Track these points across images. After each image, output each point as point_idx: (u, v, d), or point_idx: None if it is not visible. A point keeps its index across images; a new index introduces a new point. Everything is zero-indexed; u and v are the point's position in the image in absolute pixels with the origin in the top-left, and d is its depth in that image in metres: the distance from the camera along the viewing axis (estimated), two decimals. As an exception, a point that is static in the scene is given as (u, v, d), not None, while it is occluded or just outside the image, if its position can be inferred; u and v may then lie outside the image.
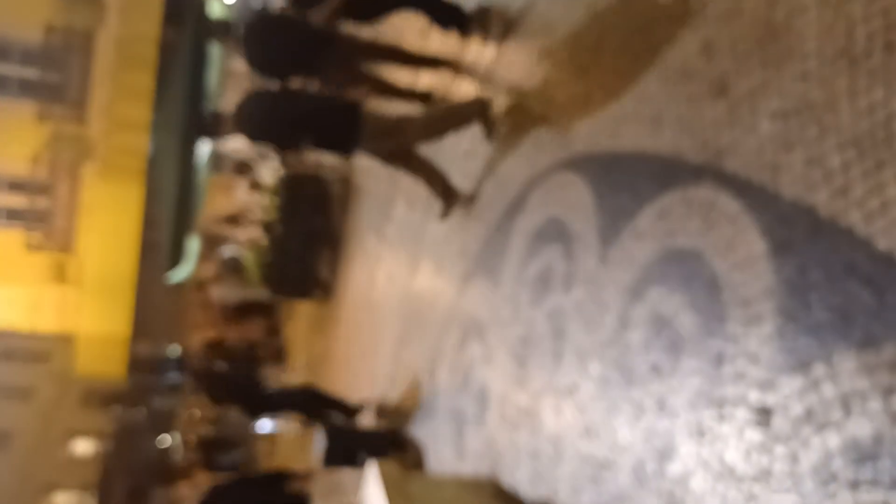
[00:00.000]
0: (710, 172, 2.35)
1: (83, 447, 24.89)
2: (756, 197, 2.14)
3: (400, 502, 2.63)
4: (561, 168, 3.46)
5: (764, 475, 1.89)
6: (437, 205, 5.29)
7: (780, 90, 2.11)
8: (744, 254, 2.13)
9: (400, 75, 5.28)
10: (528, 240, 3.70)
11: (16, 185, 14.51)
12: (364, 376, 6.93)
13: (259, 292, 10.35)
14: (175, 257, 11.06)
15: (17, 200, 14.51)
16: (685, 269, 2.38)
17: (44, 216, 14.22)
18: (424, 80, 5.24)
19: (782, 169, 2.07)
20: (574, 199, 3.26)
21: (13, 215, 14.40)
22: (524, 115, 3.96)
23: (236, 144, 12.14)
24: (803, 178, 1.98)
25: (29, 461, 23.02)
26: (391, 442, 5.19)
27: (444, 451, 4.33)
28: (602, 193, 3.03)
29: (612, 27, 3.16)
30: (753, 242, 2.11)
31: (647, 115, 2.78)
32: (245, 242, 10.86)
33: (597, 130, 3.15)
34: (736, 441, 2.00)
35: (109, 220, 13.67)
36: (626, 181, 2.86)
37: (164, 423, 20.16)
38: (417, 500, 2.68)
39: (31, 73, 13.80)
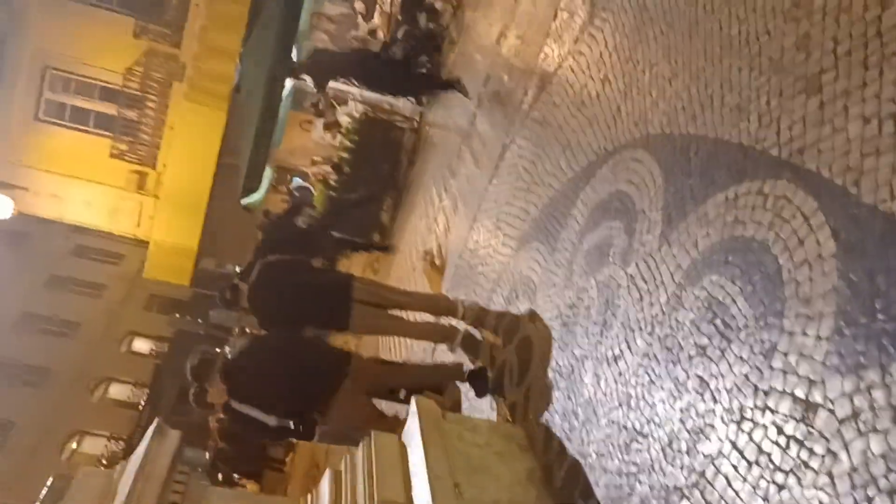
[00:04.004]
0: (790, 168, 2.33)
1: (141, 346, 26.34)
2: (834, 197, 2.12)
3: (434, 437, 2.76)
4: (635, 145, 3.45)
5: (799, 469, 1.91)
6: (502, 164, 5.35)
7: (879, 94, 2.06)
8: (813, 252, 2.13)
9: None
10: (591, 210, 3.72)
11: (107, 94, 15.13)
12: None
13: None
14: (249, 183, 11.41)
15: (106, 108, 15.14)
16: (749, 260, 2.38)
17: (130, 128, 14.81)
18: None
19: (866, 173, 2.04)
20: (643, 177, 3.26)
21: (101, 122, 15.05)
22: (606, 87, 3.94)
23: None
24: (887, 184, 1.95)
25: (92, 351, 24.52)
26: (431, 383, 5.35)
27: (482, 399, 4.48)
28: (673, 175, 3.02)
29: (709, 11, 3.11)
30: (824, 242, 2.10)
31: (733, 103, 2.75)
32: (316, 178, 11.13)
33: (677, 112, 3.13)
34: (776, 432, 2.02)
35: (191, 140, 14.15)
36: (701, 166, 2.84)
37: (218, 336, 21.04)
38: (451, 437, 2.81)
39: (133, -13, 14.33)
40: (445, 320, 5.02)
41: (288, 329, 4.78)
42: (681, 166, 2.97)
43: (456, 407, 4.67)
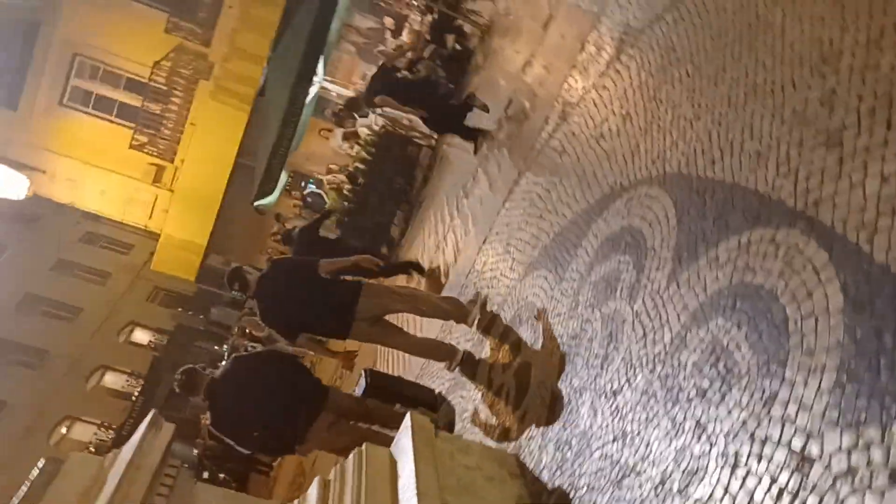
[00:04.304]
0: (805, 219, 2.34)
1: (140, 337, 26.36)
2: (846, 252, 2.12)
3: (426, 453, 2.75)
4: (651, 182, 3.47)
5: (789, 521, 1.91)
6: (517, 189, 5.38)
7: (901, 154, 2.08)
8: (821, 305, 2.13)
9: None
10: (601, 243, 3.73)
11: (133, 86, 15.33)
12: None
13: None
14: (264, 186, 11.51)
15: (131, 99, 15.33)
16: (757, 307, 2.38)
17: (152, 121, 14.98)
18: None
19: (880, 231, 2.04)
20: (657, 215, 3.27)
21: (124, 112, 15.23)
22: (627, 123, 3.97)
23: (344, 92, 12.45)
24: (902, 245, 1.96)
25: (91, 338, 24.53)
26: (427, 400, 5.37)
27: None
28: (687, 216, 3.03)
29: (736, 58, 3.14)
30: (833, 296, 2.11)
31: (753, 149, 2.77)
32: (330, 185, 11.20)
33: (696, 154, 3.15)
34: (769, 482, 2.01)
35: (211, 138, 14.30)
36: (716, 209, 2.85)
37: (218, 333, 21.06)
38: (442, 455, 2.81)
39: (169, -15, 14.57)
40: (446, 335, 5.06)
41: (275, 352, 4.85)
42: (696, 208, 2.98)
43: (449, 426, 4.67)
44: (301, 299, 4.85)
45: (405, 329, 5.15)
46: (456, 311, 5.11)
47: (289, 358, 4.94)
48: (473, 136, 7.14)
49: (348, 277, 5.20)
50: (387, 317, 5.04)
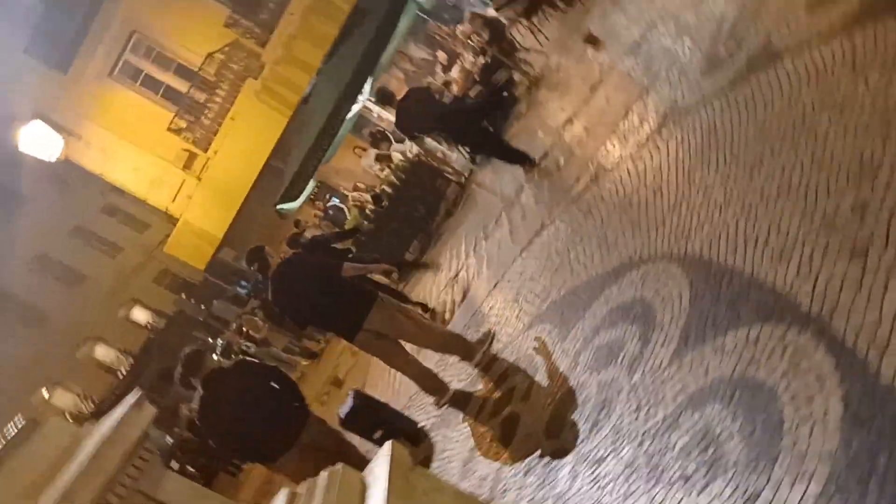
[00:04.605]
0: (818, 325, 2.33)
1: (139, 316, 26.42)
2: (853, 365, 2.11)
3: (399, 485, 2.72)
4: (670, 259, 3.48)
5: None
6: (537, 240, 5.40)
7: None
8: (819, 411, 2.11)
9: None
10: (611, 308, 3.72)
11: (183, 71, 15.64)
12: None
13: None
14: (290, 191, 11.62)
15: (178, 83, 15.63)
16: (754, 401, 2.37)
17: (195, 108, 15.24)
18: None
19: (891, 352, 2.04)
20: (671, 292, 3.27)
21: (169, 95, 15.51)
22: (657, 197, 4.00)
23: (385, 115, 12.64)
24: (911, 368, 1.95)
25: (91, 307, 24.64)
26: (410, 432, 5.33)
27: (453, 463, 4.42)
28: (701, 298, 3.03)
29: (775, 153, 3.17)
30: (833, 405, 2.09)
31: (777, 246, 2.78)
32: (354, 202, 11.29)
33: (720, 240, 3.16)
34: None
35: (248, 135, 14.50)
36: (730, 297, 2.85)
37: (215, 326, 21.05)
38: (415, 490, 2.77)
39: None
40: (440, 371, 5.06)
41: (261, 367, 4.88)
42: (711, 292, 2.99)
43: (427, 463, 4.62)
44: (318, 293, 4.92)
45: (408, 353, 5.15)
46: (462, 348, 5.10)
47: (289, 382, 4.96)
48: (520, 158, 7.07)
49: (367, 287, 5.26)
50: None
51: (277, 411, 4.67)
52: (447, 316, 6.67)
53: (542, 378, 4.02)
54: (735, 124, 3.66)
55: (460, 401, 4.78)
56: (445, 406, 4.89)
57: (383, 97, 7.41)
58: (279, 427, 4.66)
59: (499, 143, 7.34)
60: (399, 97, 7.78)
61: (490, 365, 4.88)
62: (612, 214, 4.49)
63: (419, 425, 5.48)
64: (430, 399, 5.00)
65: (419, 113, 7.70)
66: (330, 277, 4.94)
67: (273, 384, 4.75)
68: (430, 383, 5.07)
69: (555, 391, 3.76)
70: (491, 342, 5.10)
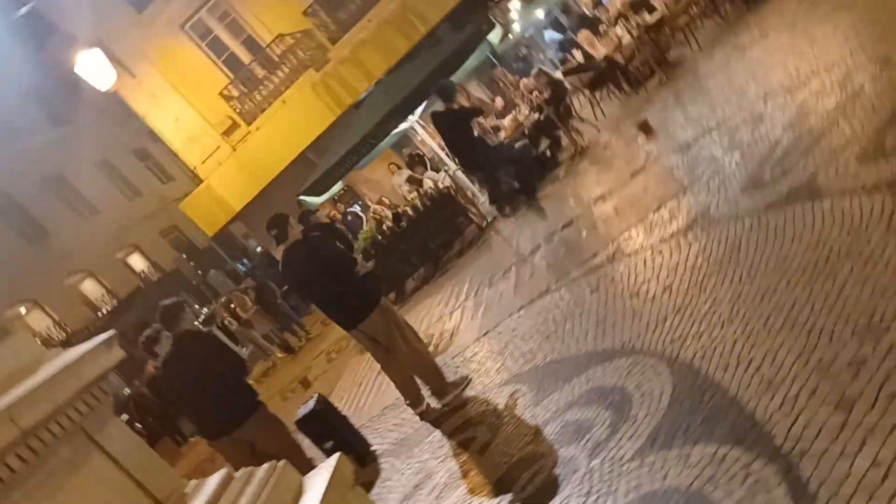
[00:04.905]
0: (786, 463, 2.31)
1: (135, 263, 26.48)
2: (812, 512, 2.09)
3: (334, 498, 2.70)
4: (661, 358, 3.46)
5: None
6: (538, 302, 5.40)
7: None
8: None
9: None
10: (590, 388, 3.70)
11: (250, 44, 15.95)
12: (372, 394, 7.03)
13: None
14: (318, 186, 11.71)
15: (243, 54, 15.92)
16: (704, 521, 2.33)
17: (251, 81, 15.48)
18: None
19: (852, 508, 2.01)
20: (653, 390, 3.25)
21: (230, 62, 15.78)
22: (665, 294, 4.00)
23: (428, 141, 12.78)
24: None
25: (93, 240, 24.71)
26: (360, 451, 5.30)
27: (393, 494, 4.36)
28: (680, 404, 3.01)
29: (790, 286, 3.16)
30: (779, 546, 2.06)
31: (768, 375, 2.76)
32: (374, 215, 11.34)
33: (714, 353, 3.14)
34: None
35: (293, 121, 14.68)
36: (709, 411, 2.83)
37: (205, 294, 21.06)
38: (350, 513, 2.74)
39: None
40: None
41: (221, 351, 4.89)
42: (692, 400, 2.97)
43: (367, 486, 4.56)
44: (330, 278, 5.00)
45: (400, 361, 5.19)
46: (438, 383, 5.11)
47: (244, 374, 5.02)
48: (529, 197, 7.08)
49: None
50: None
51: (233, 392, 4.70)
52: (430, 348, 6.64)
53: (503, 436, 3.98)
54: (760, 247, 3.68)
55: (428, 417, 4.93)
56: (424, 416, 5.06)
57: (444, 91, 7.34)
58: (230, 406, 4.70)
59: (528, 188, 7.29)
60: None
61: (457, 409, 4.86)
62: (617, 298, 4.49)
63: (371, 448, 5.44)
64: (393, 422, 5.02)
65: (476, 145, 7.71)
66: (345, 268, 5.04)
67: (235, 370, 4.78)
68: (412, 391, 5.15)
69: (512, 453, 3.72)
70: (465, 387, 5.10)
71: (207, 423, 5.15)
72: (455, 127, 6.84)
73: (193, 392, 4.82)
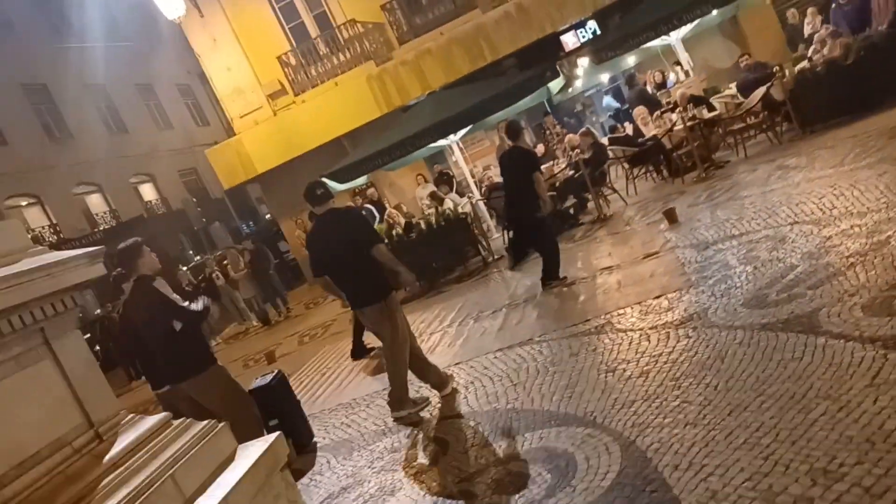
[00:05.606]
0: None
1: (146, 192, 26.56)
2: None
3: (260, 476, 2.68)
4: (617, 439, 3.43)
5: None
6: (517, 349, 5.38)
7: None
8: None
9: None
10: (539, 447, 3.68)
11: (321, 20, 16.10)
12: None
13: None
14: (342, 174, 11.77)
15: (311, 26, 16.09)
16: None
17: (311, 55, 15.62)
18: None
19: None
20: (600, 465, 3.23)
21: (297, 31, 15.89)
22: (640, 379, 3.98)
23: (462, 165, 12.84)
24: None
25: (112, 157, 24.83)
26: (301, 439, 5.28)
27: (319, 490, 4.32)
28: (622, 488, 2.98)
29: (762, 408, 3.15)
30: None
31: (714, 487, 2.74)
32: (388, 218, 11.37)
33: (669, 450, 3.12)
34: None
35: (339, 105, 14.77)
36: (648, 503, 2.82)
37: (203, 243, 21.06)
38: (271, 489, 2.72)
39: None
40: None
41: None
42: (633, 488, 2.95)
43: (297, 474, 4.53)
44: (348, 255, 5.05)
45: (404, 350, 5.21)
46: (400, 392, 5.12)
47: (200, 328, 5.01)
48: (555, 267, 7.09)
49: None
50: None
51: (182, 347, 4.70)
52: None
53: (442, 467, 3.96)
54: (744, 362, 3.67)
55: (415, 423, 4.92)
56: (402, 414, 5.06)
57: (512, 129, 7.40)
58: (177, 361, 4.73)
59: (550, 242, 7.28)
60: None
61: (408, 426, 4.83)
62: (593, 368, 4.48)
63: (313, 438, 5.41)
64: (350, 419, 5.03)
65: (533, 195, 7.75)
66: (361, 249, 5.08)
67: (188, 325, 4.76)
68: (401, 386, 5.13)
69: (445, 485, 3.69)
70: (423, 407, 5.10)
71: (151, 373, 5.27)
72: (523, 169, 6.93)
73: (142, 342, 4.88)
